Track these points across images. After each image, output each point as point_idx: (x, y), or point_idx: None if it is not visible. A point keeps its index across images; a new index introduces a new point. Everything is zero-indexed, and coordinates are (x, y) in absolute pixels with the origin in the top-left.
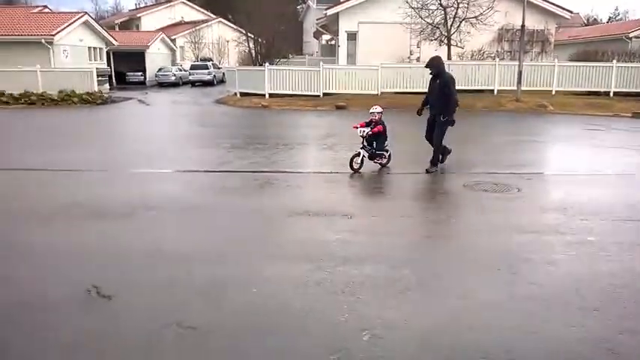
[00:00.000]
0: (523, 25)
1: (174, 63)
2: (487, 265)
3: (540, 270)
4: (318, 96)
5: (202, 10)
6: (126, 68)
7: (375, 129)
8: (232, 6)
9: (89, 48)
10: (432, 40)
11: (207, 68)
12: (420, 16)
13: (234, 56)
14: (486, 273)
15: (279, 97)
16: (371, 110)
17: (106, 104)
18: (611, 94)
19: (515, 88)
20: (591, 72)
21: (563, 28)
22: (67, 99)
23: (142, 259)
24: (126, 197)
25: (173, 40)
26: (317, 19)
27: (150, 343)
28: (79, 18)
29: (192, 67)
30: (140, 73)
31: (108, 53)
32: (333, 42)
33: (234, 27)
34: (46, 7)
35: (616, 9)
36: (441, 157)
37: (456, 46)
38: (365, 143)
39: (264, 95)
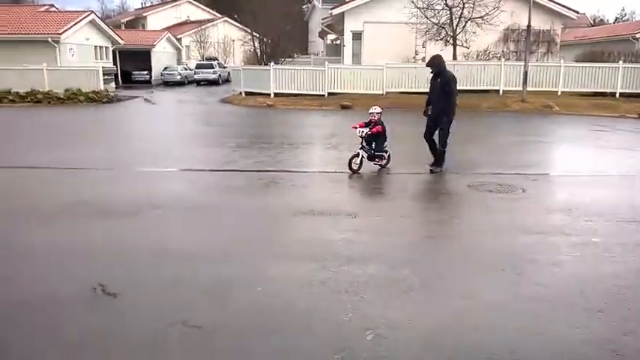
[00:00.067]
0: (529, 26)
1: (179, 62)
2: (491, 266)
3: (545, 271)
4: (323, 95)
5: (208, 9)
6: (132, 67)
7: (374, 129)
8: (238, 5)
9: (95, 47)
10: (437, 40)
11: (213, 67)
12: (426, 16)
13: (240, 55)
14: (491, 273)
15: (285, 96)
16: (370, 111)
17: (111, 103)
18: (617, 95)
19: (520, 88)
20: (597, 73)
21: (569, 29)
22: (73, 97)
23: (147, 257)
24: (131, 196)
25: (179, 40)
26: (322, 19)
27: (155, 342)
28: (85, 17)
29: (198, 67)
30: (146, 72)
31: (114, 52)
32: (338, 42)
33: (240, 26)
34: (52, 5)
35: (622, 9)
36: (434, 159)
37: (462, 46)
38: (364, 144)
39: (269, 94)
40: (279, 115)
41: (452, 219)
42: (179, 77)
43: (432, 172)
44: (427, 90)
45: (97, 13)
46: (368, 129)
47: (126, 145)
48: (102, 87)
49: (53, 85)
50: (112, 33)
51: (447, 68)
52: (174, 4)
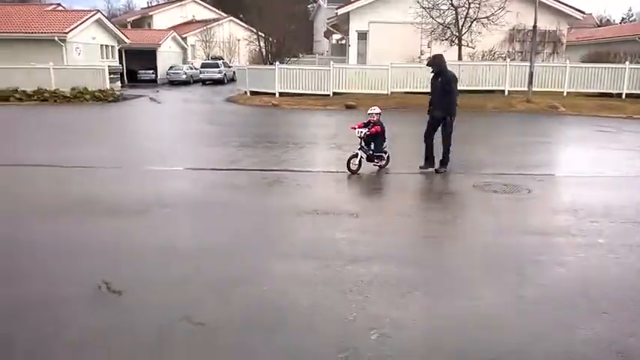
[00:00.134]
0: (535, 26)
1: (185, 61)
2: (496, 266)
3: (550, 272)
4: (328, 95)
5: (213, 8)
6: (137, 66)
7: (373, 129)
8: (243, 5)
9: (101, 46)
10: (442, 40)
11: (218, 67)
12: (431, 16)
13: (245, 55)
14: (495, 274)
15: (289, 96)
16: (369, 111)
17: (117, 102)
18: (624, 96)
19: (526, 89)
20: (603, 73)
21: (575, 29)
22: (79, 96)
23: (152, 255)
24: (139, 194)
25: (184, 39)
26: (328, 19)
27: (158, 339)
28: (91, 16)
29: (203, 66)
30: (151, 71)
31: (120, 51)
32: (343, 41)
33: (245, 26)
34: (59, 5)
35: (629, 10)
36: (425, 160)
37: (467, 46)
38: (363, 144)
39: (274, 94)
40: (284, 114)
41: (456, 219)
42: (184, 76)
43: (437, 172)
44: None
45: (103, 12)
46: (367, 129)
47: (133, 144)
48: (108, 86)
49: (60, 84)
50: (118, 32)
51: (448, 68)
52: (180, 3)
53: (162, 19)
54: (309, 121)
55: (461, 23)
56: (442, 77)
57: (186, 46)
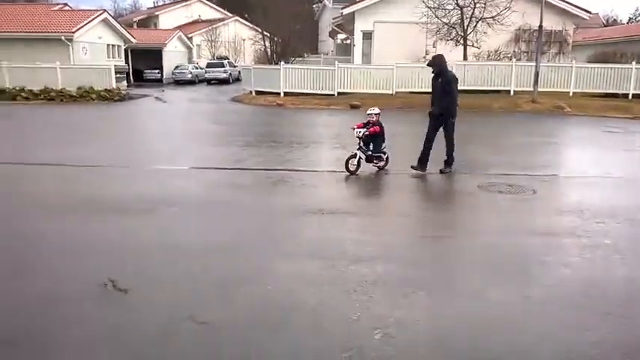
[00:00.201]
0: (540, 26)
1: (190, 61)
2: (501, 267)
3: (555, 272)
4: (333, 95)
5: (219, 8)
6: (143, 66)
7: (371, 129)
8: (249, 5)
9: (108, 45)
10: (448, 40)
11: (224, 66)
12: (437, 16)
13: (250, 55)
14: (500, 274)
15: (294, 95)
16: (368, 111)
17: (123, 101)
18: (630, 97)
19: (531, 89)
20: (610, 73)
21: (581, 29)
22: (85, 95)
23: (158, 254)
24: (143, 193)
25: (190, 39)
26: (333, 19)
27: (164, 337)
28: (98, 15)
29: (209, 65)
30: (157, 71)
31: (126, 51)
32: (348, 41)
33: (251, 26)
34: (66, 4)
35: (636, 9)
36: (419, 162)
37: (473, 46)
38: (361, 144)
39: (279, 94)
40: (289, 114)
41: (461, 219)
42: (190, 76)
43: (441, 172)
44: None
45: (109, 12)
46: (365, 129)
47: (138, 143)
48: (114, 85)
49: (66, 83)
50: (124, 32)
51: (450, 68)
52: (186, 3)
53: (168, 19)
54: (314, 121)
55: (466, 23)
56: (442, 78)
57: (191, 45)
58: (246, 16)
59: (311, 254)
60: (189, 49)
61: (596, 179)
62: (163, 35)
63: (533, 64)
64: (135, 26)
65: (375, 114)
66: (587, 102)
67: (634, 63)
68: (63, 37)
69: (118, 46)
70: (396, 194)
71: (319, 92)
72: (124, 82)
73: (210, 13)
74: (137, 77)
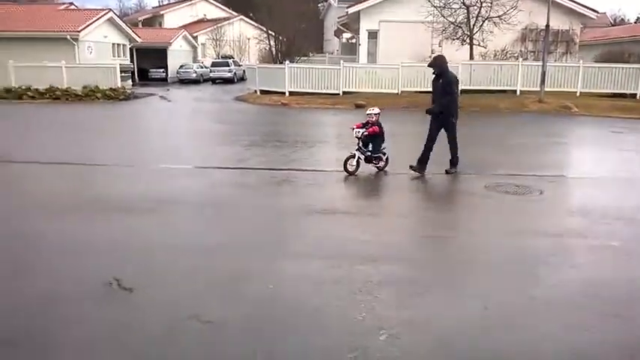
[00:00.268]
0: (547, 25)
1: (195, 60)
2: (508, 267)
3: (562, 273)
4: (338, 94)
5: (224, 7)
6: (148, 65)
7: (371, 129)
8: (253, 4)
9: (113, 44)
10: (454, 40)
11: (228, 66)
12: (443, 15)
13: (255, 54)
14: (507, 275)
15: (299, 95)
16: (368, 112)
17: (128, 100)
18: (638, 97)
19: (538, 89)
20: (617, 73)
21: (589, 29)
22: (90, 94)
23: (163, 253)
24: (147, 192)
25: (195, 38)
26: (338, 18)
27: (168, 336)
28: (103, 15)
29: (213, 65)
30: (162, 70)
31: (131, 50)
32: (353, 40)
33: (255, 25)
34: (71, 4)
35: None
36: (418, 162)
37: (479, 45)
38: (360, 145)
39: (284, 93)
40: (294, 113)
41: (468, 220)
42: (195, 75)
43: (447, 172)
44: None
45: (115, 11)
46: (364, 129)
47: (144, 142)
48: (119, 84)
49: (71, 82)
50: (129, 31)
51: (450, 69)
52: (191, 2)
53: (173, 18)
54: (319, 121)
55: (472, 22)
56: (443, 78)
57: (196, 44)
58: (251, 15)
59: (316, 254)
60: (194, 48)
61: (603, 180)
62: (168, 34)
63: (540, 63)
64: (140, 25)
65: (375, 114)
66: (595, 102)
67: None
68: (68, 37)
69: (124, 45)
70: (401, 195)
71: (324, 92)
72: (129, 81)
73: (215, 12)
74: (142, 76)
